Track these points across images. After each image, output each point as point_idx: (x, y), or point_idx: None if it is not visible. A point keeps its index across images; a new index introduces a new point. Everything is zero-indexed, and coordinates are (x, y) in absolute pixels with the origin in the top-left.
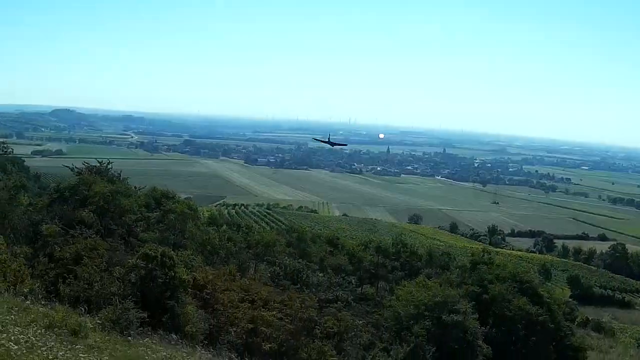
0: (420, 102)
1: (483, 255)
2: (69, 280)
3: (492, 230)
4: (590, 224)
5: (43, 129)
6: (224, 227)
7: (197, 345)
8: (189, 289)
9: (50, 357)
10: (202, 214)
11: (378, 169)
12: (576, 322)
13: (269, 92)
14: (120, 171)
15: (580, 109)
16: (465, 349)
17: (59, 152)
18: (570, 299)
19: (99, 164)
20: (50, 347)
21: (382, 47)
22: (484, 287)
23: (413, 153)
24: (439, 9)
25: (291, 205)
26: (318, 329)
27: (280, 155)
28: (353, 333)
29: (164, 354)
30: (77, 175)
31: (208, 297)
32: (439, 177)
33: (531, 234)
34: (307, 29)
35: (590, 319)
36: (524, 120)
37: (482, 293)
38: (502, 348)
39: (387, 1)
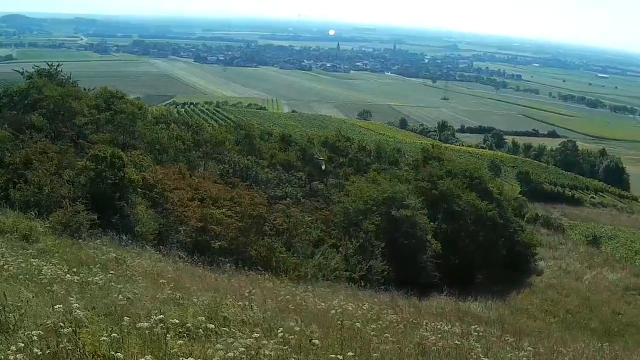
0: None
1: (434, 150)
2: (19, 185)
3: (442, 126)
4: (540, 121)
5: None
6: (172, 125)
7: (146, 245)
8: (139, 189)
9: (1, 263)
10: (151, 113)
11: (328, 65)
12: (525, 218)
13: None
14: (70, 74)
15: (535, 4)
16: (414, 244)
17: (8, 58)
18: (519, 195)
19: (48, 67)
20: (1, 253)
21: None
22: (434, 183)
23: (363, 49)
24: None
25: (240, 102)
26: (267, 226)
27: (229, 53)
28: (302, 229)
29: (114, 255)
30: (27, 80)
31: (157, 196)
32: (389, 73)
33: (481, 130)
34: None
35: (539, 215)
36: (476, 16)
37: (432, 188)
38: (451, 243)
39: None
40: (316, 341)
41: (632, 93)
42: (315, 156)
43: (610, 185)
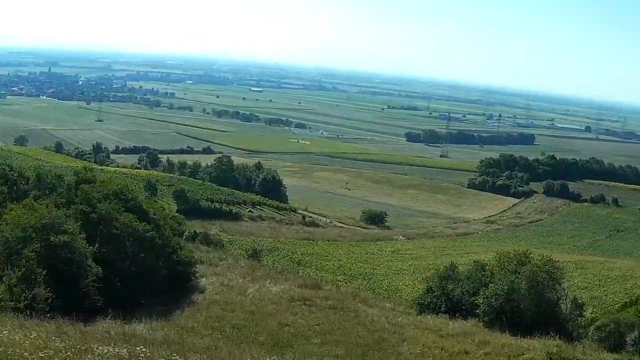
0: (25, 19)
1: (86, 173)
2: None
3: (97, 148)
4: (195, 138)
5: None
6: None
7: None
8: None
9: None
10: None
11: None
12: (184, 237)
13: None
14: None
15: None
16: (74, 269)
17: None
18: (177, 214)
19: None
20: None
21: None
22: (92, 206)
23: (19, 73)
24: None
25: None
26: None
27: None
28: None
29: None
30: None
31: None
32: (44, 97)
33: (136, 150)
34: None
35: (198, 232)
36: (131, 35)
37: (89, 212)
38: (113, 266)
39: None
40: None
41: (286, 105)
42: None
43: (268, 198)
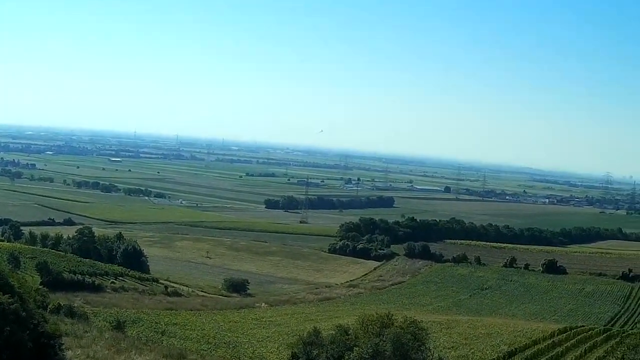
0: None
1: None
2: None
3: None
4: (56, 209)
5: None
6: None
7: None
8: None
9: None
10: None
11: None
12: (49, 309)
13: None
14: None
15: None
16: None
17: None
18: (41, 286)
19: None
20: None
21: None
22: None
23: None
24: None
25: None
26: None
27: None
28: None
29: None
30: None
31: None
32: None
33: None
34: None
35: (62, 304)
36: None
37: None
38: None
39: None
40: None
41: (145, 175)
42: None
43: (129, 269)
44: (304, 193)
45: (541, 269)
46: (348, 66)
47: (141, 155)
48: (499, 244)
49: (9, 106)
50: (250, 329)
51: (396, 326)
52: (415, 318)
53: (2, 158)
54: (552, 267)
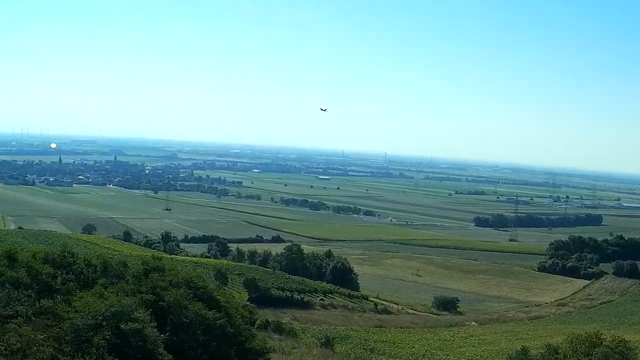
0: (90, 110)
1: (155, 262)
2: None
3: (166, 237)
4: (264, 227)
5: None
6: None
7: None
8: None
9: None
10: None
11: (51, 179)
12: (256, 325)
13: None
14: None
15: (235, 110)
16: (146, 358)
17: None
18: (248, 302)
19: None
20: None
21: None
22: (158, 295)
23: (85, 162)
24: None
25: None
26: (1, 346)
27: None
28: (35, 348)
29: None
30: None
31: None
32: (111, 186)
33: (205, 239)
34: None
35: (270, 321)
36: (194, 125)
37: (158, 300)
38: (183, 355)
39: None
40: None
41: (354, 193)
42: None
43: (339, 286)
44: (513, 211)
45: None
46: (551, 82)
47: (349, 173)
48: None
49: (215, 125)
50: (460, 347)
51: (605, 345)
52: (623, 337)
53: (208, 176)
54: None
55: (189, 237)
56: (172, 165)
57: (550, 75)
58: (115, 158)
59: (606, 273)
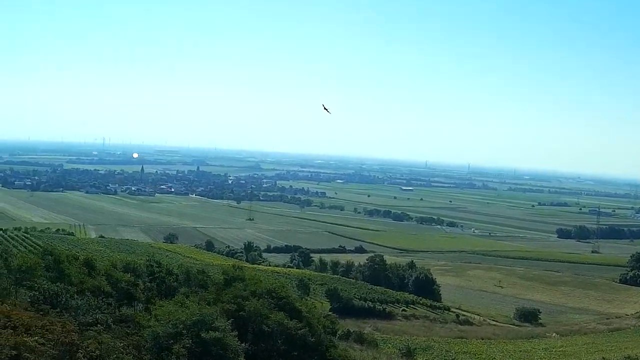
0: (172, 120)
1: (235, 272)
2: None
3: (249, 247)
4: (347, 237)
5: None
6: None
7: None
8: None
9: None
10: None
11: (133, 188)
12: (338, 335)
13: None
14: None
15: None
16: None
17: None
18: (330, 312)
19: None
20: None
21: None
22: (239, 305)
23: (167, 172)
24: None
25: (49, 228)
26: (81, 353)
27: (36, 177)
28: (115, 355)
29: None
30: None
31: None
32: (193, 195)
33: (287, 249)
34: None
35: (351, 331)
36: (276, 135)
37: (239, 310)
38: None
39: None
40: None
41: (437, 204)
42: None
43: (421, 297)
44: (595, 222)
45: None
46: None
47: (432, 184)
48: None
49: (299, 136)
50: (540, 358)
51: None
52: None
53: (291, 186)
54: None
55: (272, 247)
56: (255, 176)
57: None
58: (198, 168)
59: None
